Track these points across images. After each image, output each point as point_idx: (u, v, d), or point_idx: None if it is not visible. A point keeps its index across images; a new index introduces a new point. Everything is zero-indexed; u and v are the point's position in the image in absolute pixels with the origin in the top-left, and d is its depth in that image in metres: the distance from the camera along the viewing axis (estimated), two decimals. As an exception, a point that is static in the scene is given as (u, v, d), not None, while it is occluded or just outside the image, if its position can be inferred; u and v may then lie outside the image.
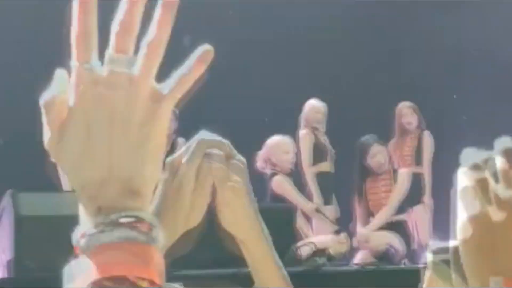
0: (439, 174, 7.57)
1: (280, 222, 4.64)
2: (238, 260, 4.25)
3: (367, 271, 3.88)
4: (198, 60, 0.83)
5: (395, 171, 6.62)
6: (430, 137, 7.44)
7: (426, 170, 7.32)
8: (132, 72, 0.82)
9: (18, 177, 6.25)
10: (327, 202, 7.12)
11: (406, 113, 7.39)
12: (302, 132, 7.22)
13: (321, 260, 4.18)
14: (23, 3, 7.87)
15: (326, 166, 7.23)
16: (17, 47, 7.93)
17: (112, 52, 0.82)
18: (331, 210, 7.13)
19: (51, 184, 4.78)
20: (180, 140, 7.29)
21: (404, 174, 6.63)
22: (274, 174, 6.37)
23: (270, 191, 6.34)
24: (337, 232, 6.19)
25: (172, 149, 6.98)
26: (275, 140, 6.50)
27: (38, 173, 7.56)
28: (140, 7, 0.82)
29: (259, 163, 6.47)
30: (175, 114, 7.31)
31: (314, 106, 7.27)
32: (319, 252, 4.37)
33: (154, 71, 0.83)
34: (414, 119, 7.40)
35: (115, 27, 0.81)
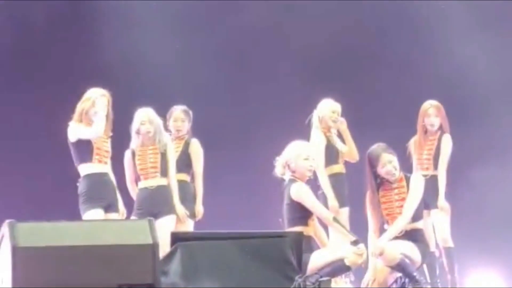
0: (459, 177, 7.59)
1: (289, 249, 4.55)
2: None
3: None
4: None
5: (408, 178, 6.49)
6: (450, 140, 7.33)
7: (440, 173, 7.19)
8: None
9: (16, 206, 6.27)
10: (342, 204, 7.11)
11: (430, 113, 7.32)
12: (316, 133, 7.20)
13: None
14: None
15: (338, 167, 7.24)
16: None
17: None
18: (346, 212, 7.12)
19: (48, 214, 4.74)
20: (194, 140, 7.37)
21: (417, 180, 6.44)
22: (292, 181, 6.29)
23: (288, 198, 6.26)
24: (355, 243, 6.10)
25: (185, 149, 7.06)
26: (295, 145, 6.42)
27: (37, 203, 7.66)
28: None
29: (278, 169, 6.39)
30: (189, 115, 7.39)
31: (330, 105, 7.27)
32: (325, 282, 4.26)
33: None
34: (437, 121, 7.31)
35: None
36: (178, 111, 7.31)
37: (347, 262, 6.07)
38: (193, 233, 5.29)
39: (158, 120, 7.02)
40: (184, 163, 7.20)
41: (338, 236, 6.55)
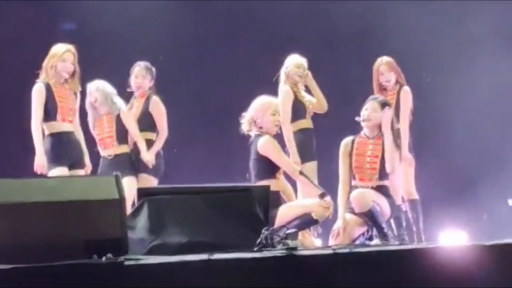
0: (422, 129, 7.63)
1: (257, 203, 4.55)
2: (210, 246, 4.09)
3: (342, 254, 3.79)
4: None
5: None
6: (408, 92, 7.36)
7: (402, 125, 7.21)
8: None
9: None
10: (310, 158, 7.10)
11: (383, 70, 7.34)
12: (283, 88, 7.15)
13: (293, 244, 4.08)
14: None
15: (306, 122, 7.22)
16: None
17: None
18: (314, 166, 7.14)
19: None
20: (154, 97, 7.29)
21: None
22: (259, 135, 6.30)
23: (255, 153, 6.27)
24: (322, 196, 6.16)
25: (146, 107, 7.09)
26: (261, 101, 6.43)
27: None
28: None
29: (244, 125, 6.41)
30: (150, 71, 7.35)
31: (296, 60, 7.23)
32: (291, 235, 4.28)
33: None
34: (391, 76, 7.35)
35: None
36: (138, 68, 7.31)
37: (314, 216, 6.13)
38: (159, 188, 5.27)
39: (107, 88, 7.04)
40: (147, 121, 7.20)
41: (306, 190, 6.59)
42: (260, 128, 6.35)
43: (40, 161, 6.51)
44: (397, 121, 7.16)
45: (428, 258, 4.03)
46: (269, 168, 6.26)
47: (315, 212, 6.12)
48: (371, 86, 7.44)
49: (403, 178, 7.19)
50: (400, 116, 7.26)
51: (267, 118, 6.34)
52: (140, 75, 7.27)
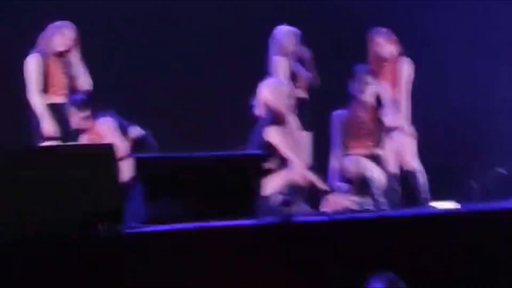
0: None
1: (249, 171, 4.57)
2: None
3: (337, 220, 3.83)
4: None
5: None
6: (409, 63, 7.26)
7: (403, 96, 7.07)
8: None
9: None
10: (304, 128, 7.06)
11: (381, 42, 7.18)
12: (277, 59, 7.02)
13: (288, 211, 4.11)
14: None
15: (301, 92, 7.11)
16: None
17: None
18: (309, 136, 7.13)
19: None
20: None
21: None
22: (271, 121, 6.10)
23: (260, 135, 6.10)
24: (325, 193, 6.09)
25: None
26: (273, 84, 6.28)
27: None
28: None
29: (258, 110, 6.20)
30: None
31: (288, 30, 7.09)
32: (286, 202, 4.31)
33: None
34: (390, 48, 7.19)
35: None
36: None
37: (298, 182, 6.03)
38: (155, 157, 5.25)
39: None
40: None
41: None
42: (274, 111, 6.13)
43: (49, 125, 6.52)
44: (397, 91, 7.09)
45: (422, 224, 4.07)
46: (269, 152, 6.12)
47: (298, 179, 6.03)
48: (365, 57, 7.35)
49: (404, 149, 7.10)
50: (401, 87, 7.13)
51: (281, 101, 6.14)
52: None
